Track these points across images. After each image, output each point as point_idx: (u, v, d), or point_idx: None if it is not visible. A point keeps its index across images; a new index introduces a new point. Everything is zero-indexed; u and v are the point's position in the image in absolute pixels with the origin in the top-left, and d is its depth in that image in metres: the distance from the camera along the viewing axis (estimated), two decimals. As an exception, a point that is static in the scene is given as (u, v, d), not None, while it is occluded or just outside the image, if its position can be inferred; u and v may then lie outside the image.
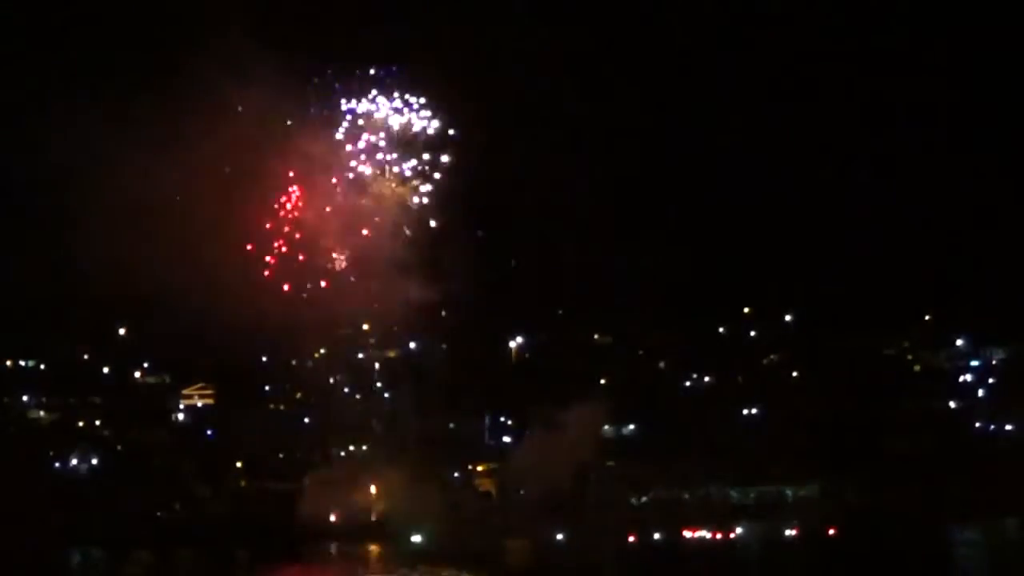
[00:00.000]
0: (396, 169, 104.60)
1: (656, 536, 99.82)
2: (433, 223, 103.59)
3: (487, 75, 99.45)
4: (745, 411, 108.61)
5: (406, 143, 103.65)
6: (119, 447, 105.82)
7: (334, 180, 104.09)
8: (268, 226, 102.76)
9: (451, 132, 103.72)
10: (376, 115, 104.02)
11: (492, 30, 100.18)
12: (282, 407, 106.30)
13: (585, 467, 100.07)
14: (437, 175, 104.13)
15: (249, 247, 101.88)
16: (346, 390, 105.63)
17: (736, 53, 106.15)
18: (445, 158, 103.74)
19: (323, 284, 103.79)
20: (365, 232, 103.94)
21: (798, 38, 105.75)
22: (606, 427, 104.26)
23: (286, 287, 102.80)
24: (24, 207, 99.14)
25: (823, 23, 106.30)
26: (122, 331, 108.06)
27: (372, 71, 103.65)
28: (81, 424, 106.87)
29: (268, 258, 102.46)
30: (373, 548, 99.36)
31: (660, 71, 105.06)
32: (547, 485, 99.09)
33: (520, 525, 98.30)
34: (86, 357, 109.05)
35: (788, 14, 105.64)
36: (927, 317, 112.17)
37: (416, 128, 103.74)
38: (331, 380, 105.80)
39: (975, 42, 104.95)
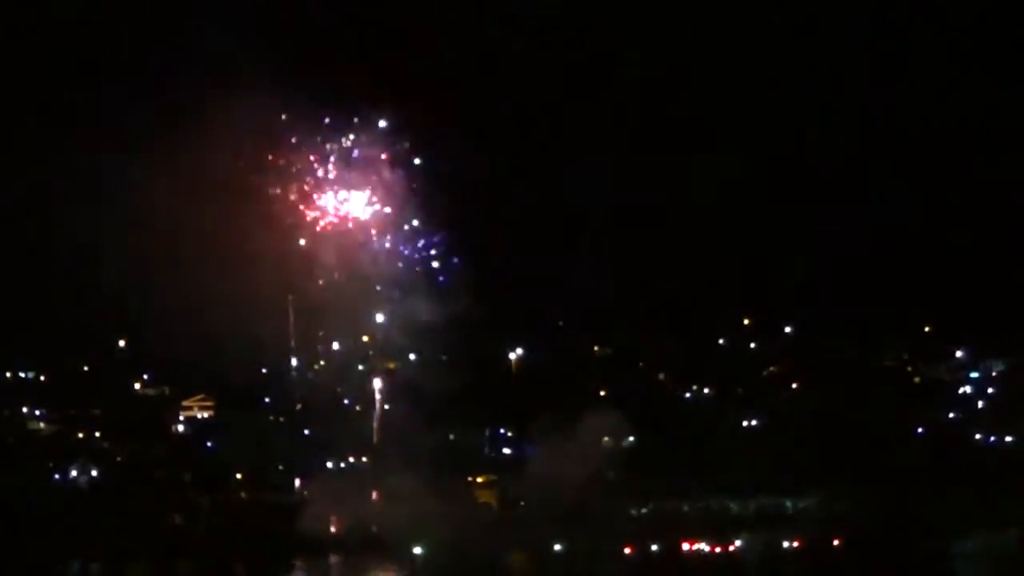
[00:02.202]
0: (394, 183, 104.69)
1: (655, 548, 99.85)
2: (432, 236, 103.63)
3: (485, 88, 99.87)
4: (745, 423, 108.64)
5: (403, 159, 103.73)
6: (119, 459, 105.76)
7: (333, 195, 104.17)
8: (268, 239, 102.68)
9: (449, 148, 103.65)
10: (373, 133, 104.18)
11: (492, 42, 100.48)
12: (282, 419, 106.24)
13: (585, 479, 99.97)
14: (436, 190, 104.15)
15: (249, 259, 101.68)
16: (346, 402, 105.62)
17: (737, 62, 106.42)
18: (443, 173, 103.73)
19: (323, 296, 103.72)
20: (364, 245, 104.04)
21: (796, 48, 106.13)
22: (606, 439, 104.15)
23: (286, 299, 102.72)
24: (24, 220, 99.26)
25: (827, 28, 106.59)
26: (122, 343, 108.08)
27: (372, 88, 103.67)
28: (81, 436, 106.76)
29: (268, 270, 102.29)
30: (373, 560, 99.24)
31: (659, 82, 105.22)
32: (549, 497, 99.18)
33: (520, 537, 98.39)
34: (86, 369, 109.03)
35: (789, 18, 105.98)
36: (927, 329, 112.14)
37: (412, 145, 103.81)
38: (331, 392, 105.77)
39: (976, 53, 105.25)
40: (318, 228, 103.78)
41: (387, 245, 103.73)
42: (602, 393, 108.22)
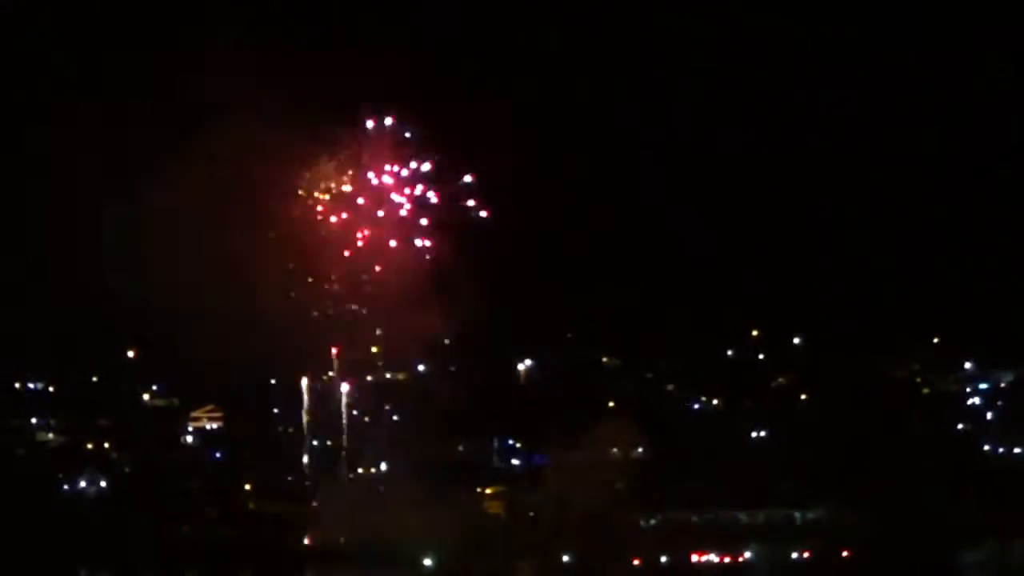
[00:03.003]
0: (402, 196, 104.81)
1: (664, 559, 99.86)
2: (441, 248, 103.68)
3: (490, 102, 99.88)
4: (753, 434, 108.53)
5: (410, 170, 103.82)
6: (128, 470, 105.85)
7: (341, 206, 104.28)
8: (277, 251, 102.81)
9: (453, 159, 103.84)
10: (380, 146, 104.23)
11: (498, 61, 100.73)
12: (291, 429, 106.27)
13: (594, 490, 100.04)
14: (444, 201, 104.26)
15: (259, 270, 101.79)
16: (354, 412, 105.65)
17: (741, 69, 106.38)
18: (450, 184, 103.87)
19: (332, 308, 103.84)
20: (372, 254, 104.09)
21: (796, 55, 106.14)
22: (614, 450, 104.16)
23: (296, 310, 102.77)
24: (32, 230, 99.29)
25: (828, 29, 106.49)
26: (131, 354, 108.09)
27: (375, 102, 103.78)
28: (90, 447, 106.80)
29: (278, 281, 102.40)
30: (382, 571, 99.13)
31: (660, 93, 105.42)
32: (558, 508, 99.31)
33: (529, 548, 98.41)
34: (95, 380, 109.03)
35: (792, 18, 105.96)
36: (936, 340, 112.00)
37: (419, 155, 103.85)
38: (339, 403, 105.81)
39: (976, 63, 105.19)
40: (328, 241, 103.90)
41: (396, 257, 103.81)
42: (611, 404, 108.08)
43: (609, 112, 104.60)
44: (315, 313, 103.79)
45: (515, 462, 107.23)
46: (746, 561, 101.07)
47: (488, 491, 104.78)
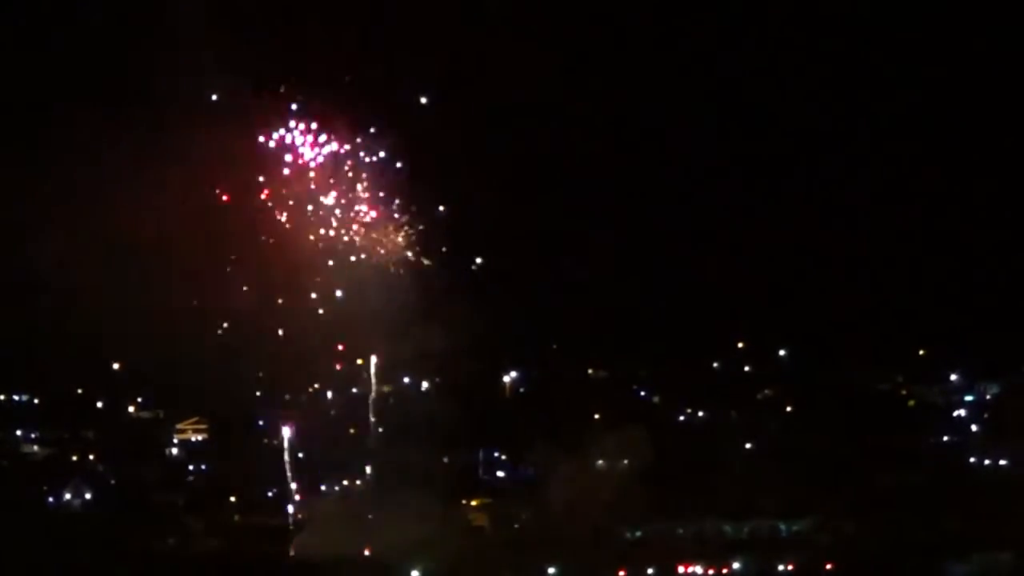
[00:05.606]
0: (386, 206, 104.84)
1: (650, 571, 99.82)
2: (425, 259, 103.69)
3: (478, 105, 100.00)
4: (739, 445, 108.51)
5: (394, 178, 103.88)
6: (113, 481, 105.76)
7: (326, 215, 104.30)
8: (262, 262, 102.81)
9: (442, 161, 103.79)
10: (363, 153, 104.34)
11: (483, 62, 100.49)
12: (275, 442, 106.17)
13: (579, 501, 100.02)
14: (428, 210, 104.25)
15: (243, 283, 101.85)
16: (340, 425, 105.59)
17: (728, 86, 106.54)
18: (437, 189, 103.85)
19: (316, 320, 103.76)
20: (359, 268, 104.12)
21: (783, 69, 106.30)
22: (600, 461, 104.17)
23: (281, 322, 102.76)
24: (17, 241, 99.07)
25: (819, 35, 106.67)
26: (116, 366, 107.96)
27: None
28: (75, 458, 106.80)
29: (262, 294, 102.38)
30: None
31: (650, 100, 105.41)
32: (543, 520, 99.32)
33: (513, 560, 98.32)
34: (80, 392, 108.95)
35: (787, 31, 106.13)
36: (921, 352, 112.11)
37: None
38: (324, 415, 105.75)
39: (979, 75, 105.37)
40: (314, 251, 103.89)
41: (381, 268, 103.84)
42: (596, 416, 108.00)
43: (597, 119, 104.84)
44: (301, 325, 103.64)
45: (500, 474, 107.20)
46: (732, 572, 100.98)
47: (473, 503, 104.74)
